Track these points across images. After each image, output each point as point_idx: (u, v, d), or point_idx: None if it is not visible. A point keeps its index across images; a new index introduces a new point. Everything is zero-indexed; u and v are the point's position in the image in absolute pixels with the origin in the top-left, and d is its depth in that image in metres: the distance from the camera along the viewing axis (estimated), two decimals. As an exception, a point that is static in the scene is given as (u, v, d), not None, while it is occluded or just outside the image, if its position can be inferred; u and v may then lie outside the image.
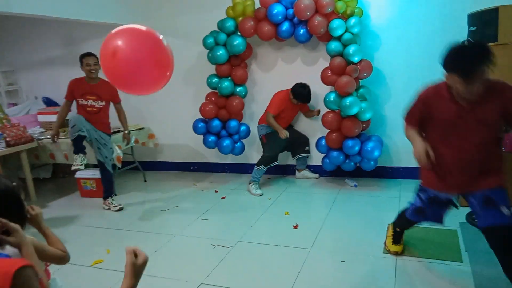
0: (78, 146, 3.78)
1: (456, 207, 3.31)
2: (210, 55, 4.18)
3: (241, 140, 4.46)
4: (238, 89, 4.30)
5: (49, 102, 5.46)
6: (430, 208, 2.22)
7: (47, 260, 1.48)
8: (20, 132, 4.24)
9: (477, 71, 1.79)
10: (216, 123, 4.32)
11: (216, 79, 4.28)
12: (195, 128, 4.42)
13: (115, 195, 4.07)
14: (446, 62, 1.88)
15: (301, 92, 3.96)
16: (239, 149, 4.43)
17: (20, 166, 4.30)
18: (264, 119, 4.11)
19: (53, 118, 4.86)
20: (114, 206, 3.90)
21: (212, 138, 4.38)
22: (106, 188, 3.95)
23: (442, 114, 1.98)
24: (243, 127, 4.41)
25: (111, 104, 3.96)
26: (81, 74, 3.83)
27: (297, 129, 4.39)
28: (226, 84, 4.19)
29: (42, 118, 4.99)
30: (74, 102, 3.87)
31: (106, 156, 3.86)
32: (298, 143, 4.25)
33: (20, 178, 4.34)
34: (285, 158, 4.51)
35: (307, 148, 4.28)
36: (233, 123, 4.32)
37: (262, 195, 4.01)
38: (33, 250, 1.26)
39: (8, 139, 4.08)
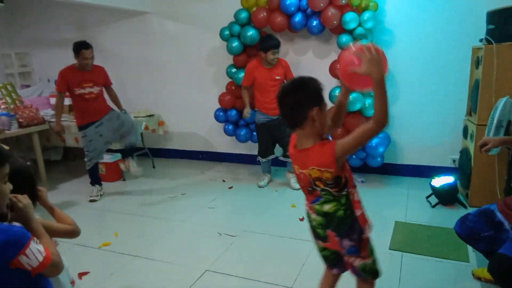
0: (94, 176, 3.89)
1: (465, 206, 3.31)
2: (227, 46, 4.18)
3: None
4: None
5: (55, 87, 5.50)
6: (474, 216, 2.09)
7: (56, 236, 1.51)
8: (32, 113, 4.29)
9: None
10: (234, 112, 4.39)
11: (234, 69, 4.28)
12: (217, 117, 4.49)
13: (124, 179, 4.08)
14: None
15: (262, 41, 3.76)
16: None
17: (31, 147, 4.36)
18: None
19: (66, 101, 4.91)
20: (133, 167, 3.96)
21: (231, 126, 4.45)
22: (128, 150, 3.98)
23: None
24: None
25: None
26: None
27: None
28: (242, 74, 4.16)
29: (54, 101, 5.03)
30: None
31: (131, 127, 3.89)
32: (282, 143, 3.92)
33: (31, 159, 4.39)
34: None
35: (287, 153, 4.11)
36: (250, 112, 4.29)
37: (261, 187, 4.01)
38: (41, 227, 1.29)
39: (20, 120, 4.13)
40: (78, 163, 5.18)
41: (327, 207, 1.54)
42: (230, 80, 4.38)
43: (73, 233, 1.54)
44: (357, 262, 1.62)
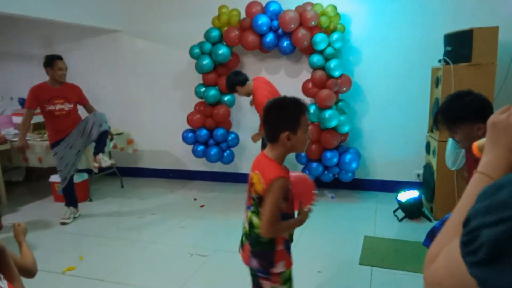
0: (69, 196, 3.72)
1: (430, 220, 3.42)
2: (197, 64, 4.18)
3: (230, 148, 4.44)
4: (226, 98, 4.29)
5: (24, 103, 5.31)
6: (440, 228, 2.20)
7: None
8: (-7, 133, 4.10)
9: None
10: (204, 132, 4.31)
11: (203, 88, 4.26)
12: (185, 139, 4.41)
13: (91, 200, 3.92)
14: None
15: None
16: (228, 158, 4.40)
17: (-9, 168, 4.16)
18: None
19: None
20: (104, 161, 3.71)
21: (201, 147, 4.35)
22: (98, 144, 3.73)
23: None
24: (231, 135, 4.39)
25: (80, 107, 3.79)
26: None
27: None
28: (213, 92, 4.18)
29: (17, 119, 4.84)
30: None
31: (95, 115, 3.68)
32: None
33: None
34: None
35: None
36: (220, 131, 4.29)
37: None
38: (14, 265, 1.23)
39: (-21, 139, 3.94)
40: (41, 184, 4.97)
41: (253, 218, 1.57)
42: (198, 99, 4.37)
43: (29, 271, 1.48)
44: (267, 286, 1.62)
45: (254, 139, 3.77)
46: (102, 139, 3.73)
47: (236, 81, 3.59)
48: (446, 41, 3.34)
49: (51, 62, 3.49)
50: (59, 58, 3.53)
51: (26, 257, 1.49)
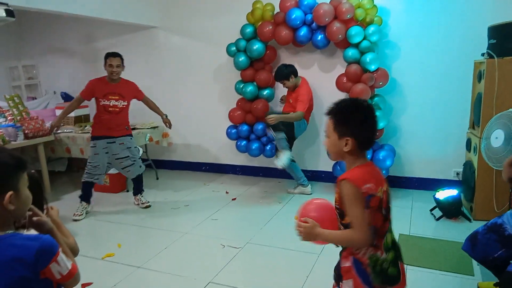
0: (85, 191, 3.74)
1: (469, 220, 3.30)
2: (234, 61, 4.22)
3: (271, 142, 4.44)
4: (265, 92, 4.31)
5: (67, 97, 5.57)
6: (483, 234, 2.07)
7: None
8: (38, 125, 4.34)
9: None
10: (245, 127, 4.36)
11: (242, 84, 4.31)
12: (228, 134, 4.50)
13: (127, 190, 4.05)
14: None
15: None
16: (270, 151, 4.39)
17: (36, 158, 4.39)
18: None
19: (71, 113, 4.96)
20: (142, 203, 3.92)
21: (243, 142, 4.42)
22: (136, 185, 3.95)
23: None
24: None
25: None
26: (98, 71, 3.82)
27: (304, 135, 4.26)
28: (250, 88, 4.21)
29: (59, 113, 5.09)
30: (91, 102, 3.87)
31: (135, 160, 3.80)
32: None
33: (36, 170, 4.42)
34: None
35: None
36: (259, 126, 4.31)
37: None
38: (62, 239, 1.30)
39: (26, 131, 4.17)
40: (81, 174, 5.17)
41: (394, 234, 1.46)
42: (238, 95, 4.41)
43: (73, 250, 1.55)
44: None
45: (273, 120, 3.75)
46: (139, 180, 3.90)
47: (293, 71, 3.94)
48: (490, 34, 3.18)
49: (105, 58, 3.61)
50: (112, 55, 3.59)
51: (67, 236, 1.56)
